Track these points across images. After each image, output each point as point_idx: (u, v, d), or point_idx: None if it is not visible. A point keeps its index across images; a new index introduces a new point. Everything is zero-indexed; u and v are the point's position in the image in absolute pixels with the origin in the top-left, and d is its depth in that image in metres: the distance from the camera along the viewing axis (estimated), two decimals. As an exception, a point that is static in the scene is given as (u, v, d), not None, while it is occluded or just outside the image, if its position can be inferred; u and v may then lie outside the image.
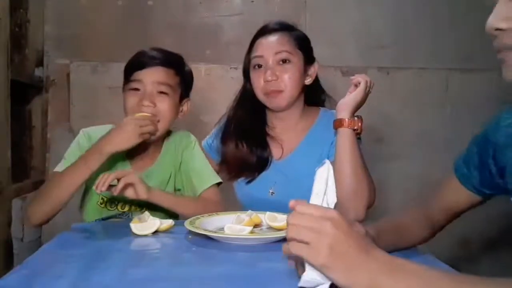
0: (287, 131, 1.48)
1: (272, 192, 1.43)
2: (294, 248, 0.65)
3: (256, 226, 1.15)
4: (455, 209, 1.04)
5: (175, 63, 1.36)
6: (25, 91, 2.12)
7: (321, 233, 0.63)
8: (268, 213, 1.17)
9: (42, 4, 2.19)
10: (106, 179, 1.15)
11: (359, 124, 1.30)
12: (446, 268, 0.88)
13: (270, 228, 1.14)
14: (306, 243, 0.64)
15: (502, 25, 0.71)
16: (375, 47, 2.31)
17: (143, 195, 1.20)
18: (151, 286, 0.79)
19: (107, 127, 1.35)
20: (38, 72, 2.19)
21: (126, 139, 1.20)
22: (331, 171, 0.73)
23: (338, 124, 1.30)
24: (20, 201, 1.92)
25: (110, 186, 1.17)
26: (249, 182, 1.46)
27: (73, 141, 1.35)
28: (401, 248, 0.97)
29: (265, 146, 1.47)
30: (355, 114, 1.31)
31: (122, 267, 0.90)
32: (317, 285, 0.66)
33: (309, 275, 0.65)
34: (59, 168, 1.27)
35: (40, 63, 2.20)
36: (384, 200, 2.09)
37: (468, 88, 2.34)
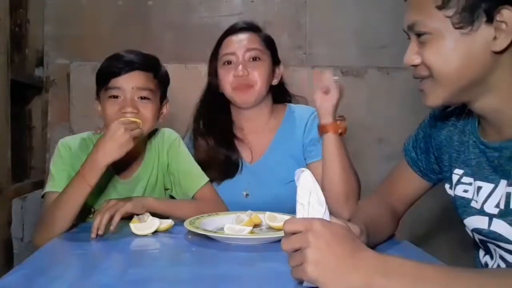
0: (255, 133, 1.48)
1: (246, 194, 1.43)
2: (294, 274, 0.68)
3: (255, 226, 1.16)
4: (409, 196, 1.09)
5: (152, 66, 1.30)
6: (25, 91, 2.12)
7: (304, 251, 0.65)
8: (268, 213, 1.17)
9: (42, 4, 2.19)
10: (100, 223, 1.09)
11: (343, 125, 1.29)
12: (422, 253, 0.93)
13: (270, 228, 1.14)
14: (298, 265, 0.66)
15: (416, 61, 0.84)
16: (375, 47, 2.30)
17: (140, 211, 1.18)
18: (151, 286, 0.80)
19: (85, 135, 1.34)
20: (38, 72, 2.19)
21: (120, 146, 1.14)
22: (312, 177, 0.73)
23: (322, 130, 1.28)
24: (20, 201, 1.93)
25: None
26: (221, 183, 1.43)
27: (54, 156, 1.29)
28: (377, 244, 0.98)
29: (233, 148, 1.46)
30: (338, 115, 1.29)
31: (122, 267, 0.91)
32: None
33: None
34: (50, 187, 1.23)
35: (40, 63, 2.20)
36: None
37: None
